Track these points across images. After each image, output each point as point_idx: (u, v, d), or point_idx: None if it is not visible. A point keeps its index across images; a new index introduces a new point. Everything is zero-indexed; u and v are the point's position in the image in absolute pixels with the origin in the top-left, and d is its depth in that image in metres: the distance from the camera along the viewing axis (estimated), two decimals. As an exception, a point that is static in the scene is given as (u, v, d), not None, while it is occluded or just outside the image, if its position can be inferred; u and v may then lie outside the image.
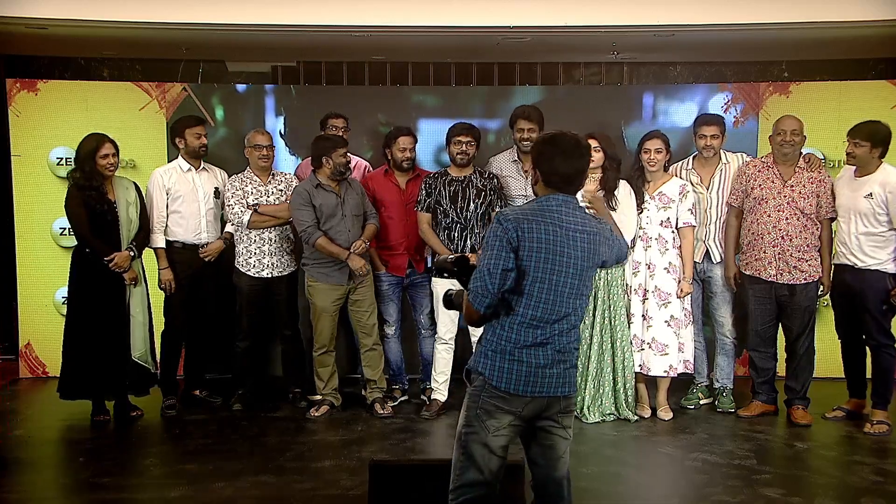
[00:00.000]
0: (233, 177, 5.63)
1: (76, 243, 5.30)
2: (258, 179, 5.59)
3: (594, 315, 5.27)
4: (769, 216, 5.21)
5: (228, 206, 5.54)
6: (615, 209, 5.20)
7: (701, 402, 5.67)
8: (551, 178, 2.93)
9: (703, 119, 5.55)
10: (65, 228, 6.15)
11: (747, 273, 5.35)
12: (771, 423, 5.33)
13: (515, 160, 5.63)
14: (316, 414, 5.47)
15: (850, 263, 5.16)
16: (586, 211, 3.07)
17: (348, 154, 5.41)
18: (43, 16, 5.58)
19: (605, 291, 5.26)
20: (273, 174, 5.66)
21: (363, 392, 5.65)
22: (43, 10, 5.56)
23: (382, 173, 5.74)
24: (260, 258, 5.55)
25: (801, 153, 5.30)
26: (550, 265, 2.87)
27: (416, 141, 5.66)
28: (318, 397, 5.58)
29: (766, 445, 4.99)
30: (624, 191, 5.26)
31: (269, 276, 5.57)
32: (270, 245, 5.57)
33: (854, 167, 5.16)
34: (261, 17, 5.68)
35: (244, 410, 5.59)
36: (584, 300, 3.00)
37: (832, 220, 5.25)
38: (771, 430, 5.23)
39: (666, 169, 5.39)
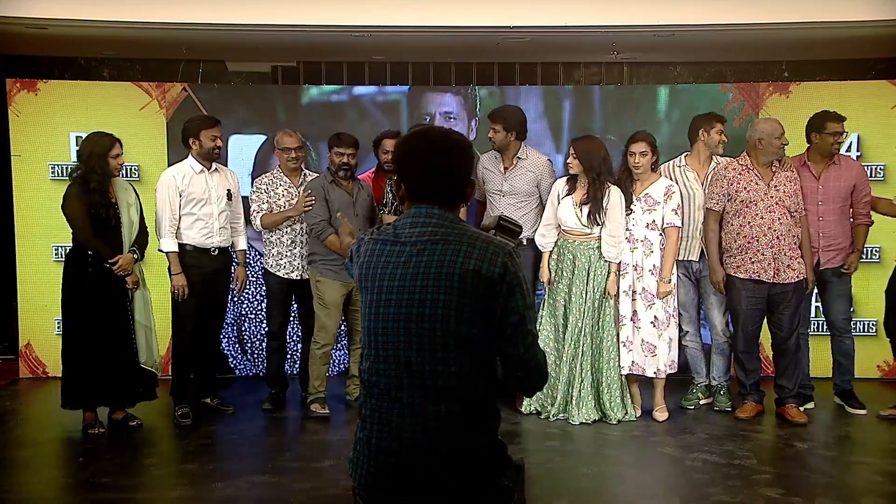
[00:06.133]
0: (260, 178, 5.60)
1: (71, 246, 5.10)
2: (288, 181, 5.55)
3: (576, 317, 5.24)
4: (762, 218, 5.16)
5: (251, 208, 5.55)
6: (602, 224, 5.18)
7: (700, 402, 5.67)
8: (408, 183, 2.28)
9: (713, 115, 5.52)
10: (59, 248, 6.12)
11: (741, 276, 5.24)
12: (770, 423, 5.33)
13: (497, 156, 5.63)
14: (323, 411, 5.39)
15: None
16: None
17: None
18: (43, 16, 5.59)
19: (583, 289, 5.23)
20: (305, 174, 5.63)
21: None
22: (43, 10, 5.57)
23: (373, 176, 5.74)
24: (291, 260, 5.53)
25: None
26: (374, 296, 2.23)
27: None
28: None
29: (765, 445, 4.99)
30: (614, 198, 5.18)
31: (299, 277, 5.54)
32: (302, 248, 5.53)
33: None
34: (261, 17, 5.68)
35: (241, 410, 5.59)
36: (438, 351, 2.13)
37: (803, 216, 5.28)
38: (771, 430, 5.23)
39: (654, 169, 5.32)
